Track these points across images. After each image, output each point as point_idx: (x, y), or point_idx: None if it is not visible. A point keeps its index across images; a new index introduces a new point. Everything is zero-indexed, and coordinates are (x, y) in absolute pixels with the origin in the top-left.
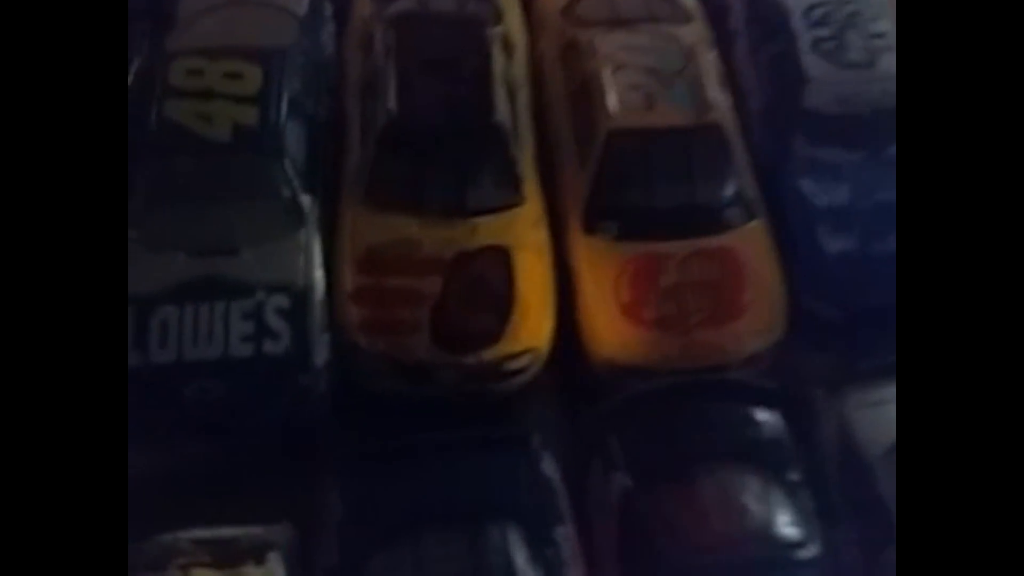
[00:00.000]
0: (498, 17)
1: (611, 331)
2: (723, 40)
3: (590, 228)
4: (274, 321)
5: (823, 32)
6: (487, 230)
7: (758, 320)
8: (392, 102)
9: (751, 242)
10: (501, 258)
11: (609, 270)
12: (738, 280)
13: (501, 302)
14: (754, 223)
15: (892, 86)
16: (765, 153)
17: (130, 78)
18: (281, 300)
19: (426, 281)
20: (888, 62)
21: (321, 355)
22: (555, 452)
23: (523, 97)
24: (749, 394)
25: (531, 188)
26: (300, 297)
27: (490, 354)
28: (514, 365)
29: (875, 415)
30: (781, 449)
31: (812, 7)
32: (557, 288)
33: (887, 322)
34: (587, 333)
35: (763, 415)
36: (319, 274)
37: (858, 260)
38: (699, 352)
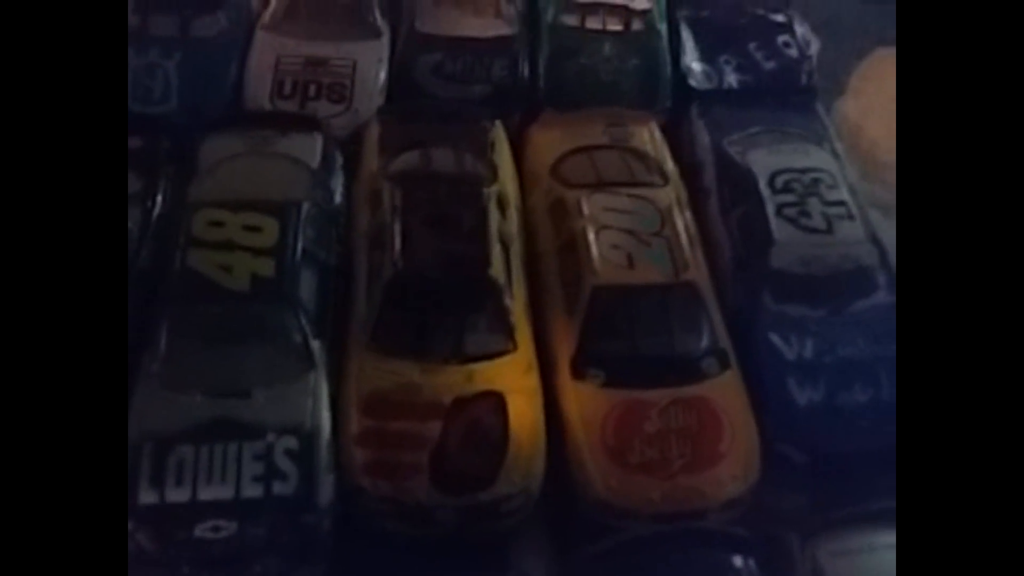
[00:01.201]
0: (493, 175)
1: (599, 474)
2: (697, 197)
3: (578, 375)
4: (283, 462)
5: (787, 198)
6: (483, 376)
7: (735, 466)
8: (397, 256)
9: (726, 391)
10: (496, 403)
11: (596, 415)
12: (716, 428)
13: (496, 445)
14: (728, 373)
15: (850, 251)
16: (737, 308)
17: (154, 223)
18: (290, 442)
19: (426, 425)
20: (844, 229)
21: (326, 496)
22: None
23: (516, 249)
24: (727, 541)
25: (523, 336)
26: (308, 439)
27: (486, 495)
28: (509, 506)
29: (848, 564)
30: None
31: (777, 174)
32: (548, 431)
33: (853, 468)
34: (576, 475)
35: (740, 563)
36: (326, 417)
37: (825, 409)
38: (681, 497)
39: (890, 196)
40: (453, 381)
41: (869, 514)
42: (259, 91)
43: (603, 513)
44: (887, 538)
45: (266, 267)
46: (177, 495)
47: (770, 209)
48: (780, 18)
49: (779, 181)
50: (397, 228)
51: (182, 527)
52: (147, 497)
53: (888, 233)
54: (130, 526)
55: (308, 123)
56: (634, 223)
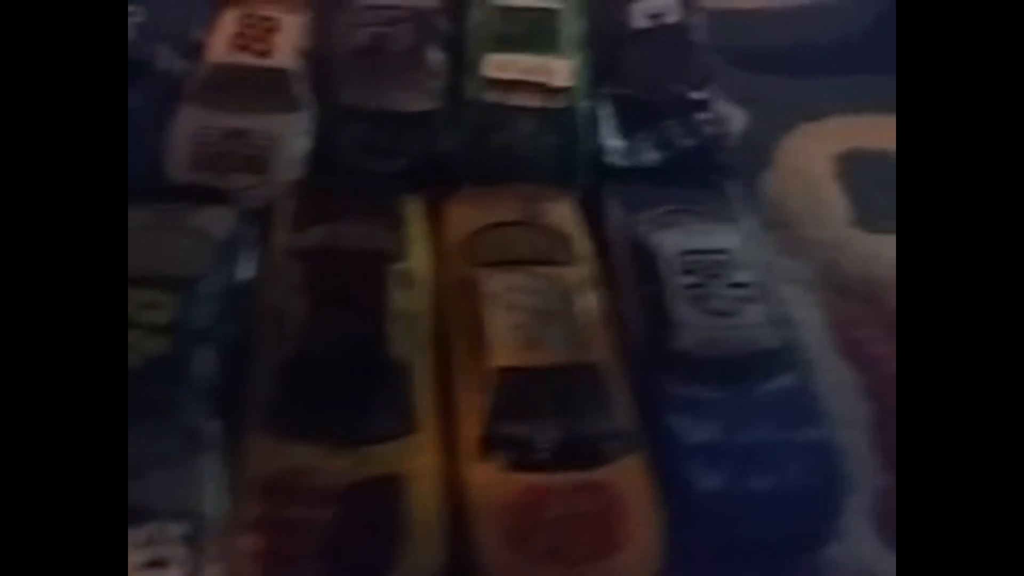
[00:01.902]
0: (402, 252)
1: (500, 563)
2: (610, 276)
3: (482, 457)
4: (170, 549)
5: (691, 280)
6: (380, 459)
7: (637, 553)
8: (294, 335)
9: (629, 476)
10: (394, 487)
11: (499, 499)
12: (618, 513)
13: (392, 532)
14: (631, 457)
15: (754, 333)
16: (641, 390)
17: None
18: (179, 527)
19: (320, 512)
20: (747, 312)
21: None
22: None
23: (423, 328)
24: None
25: (425, 415)
26: (197, 525)
27: None
28: None
29: None
30: None
31: (681, 254)
32: (450, 516)
33: (753, 556)
34: (478, 562)
35: None
36: (217, 501)
37: (727, 497)
38: None
39: (809, 271)
40: (349, 465)
41: None
42: (178, 162)
43: None
44: None
45: (161, 345)
46: None
47: (673, 291)
48: (699, 96)
49: (684, 262)
50: (295, 306)
51: None
52: None
53: (807, 309)
54: None
55: (220, 196)
56: (538, 302)
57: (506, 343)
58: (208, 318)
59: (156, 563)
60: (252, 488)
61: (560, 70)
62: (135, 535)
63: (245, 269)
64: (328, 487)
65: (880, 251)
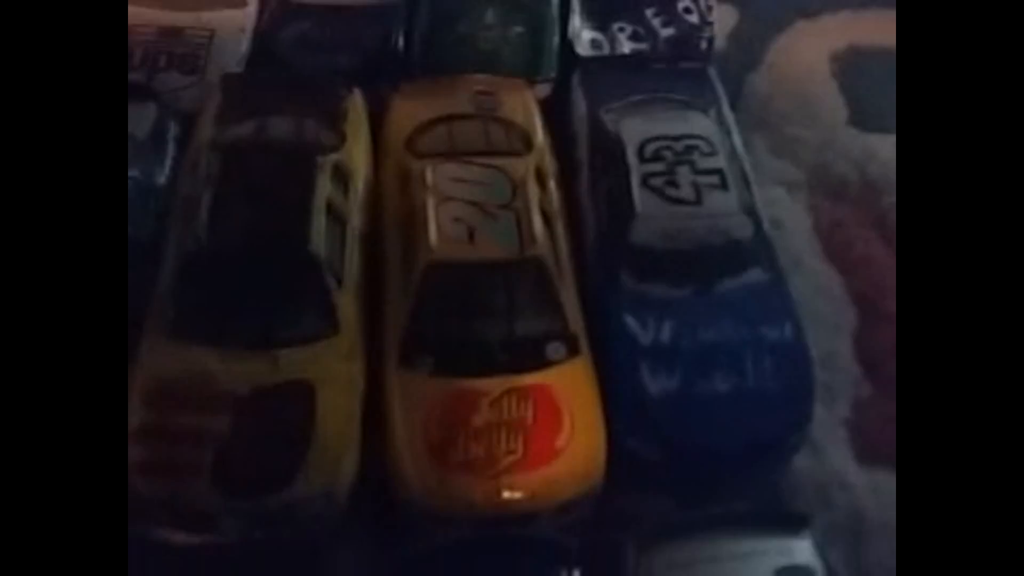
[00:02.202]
0: (336, 145)
1: (417, 474)
2: (572, 170)
3: (405, 362)
4: None
5: (655, 167)
6: (291, 364)
7: (573, 464)
8: (201, 230)
9: (571, 380)
10: (301, 393)
11: (421, 407)
12: (554, 420)
13: (295, 442)
14: (576, 360)
15: (719, 223)
16: (594, 288)
17: None
18: None
19: (215, 419)
20: (715, 200)
21: None
22: None
23: (354, 225)
24: (551, 550)
25: (348, 319)
26: None
27: (279, 498)
28: (307, 511)
29: None
30: None
31: (647, 141)
32: (370, 426)
33: (709, 468)
34: (393, 475)
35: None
36: None
37: (681, 400)
38: (506, 499)
39: (797, 172)
40: (255, 369)
41: (717, 519)
42: None
43: (421, 518)
44: (732, 547)
45: None
46: None
47: (635, 179)
48: None
49: (649, 149)
50: (206, 199)
51: None
52: None
53: (791, 210)
54: None
55: (142, 93)
56: (482, 194)
57: (444, 237)
58: None
59: None
60: (143, 394)
61: None
62: None
63: (162, 169)
64: (227, 393)
65: (877, 150)
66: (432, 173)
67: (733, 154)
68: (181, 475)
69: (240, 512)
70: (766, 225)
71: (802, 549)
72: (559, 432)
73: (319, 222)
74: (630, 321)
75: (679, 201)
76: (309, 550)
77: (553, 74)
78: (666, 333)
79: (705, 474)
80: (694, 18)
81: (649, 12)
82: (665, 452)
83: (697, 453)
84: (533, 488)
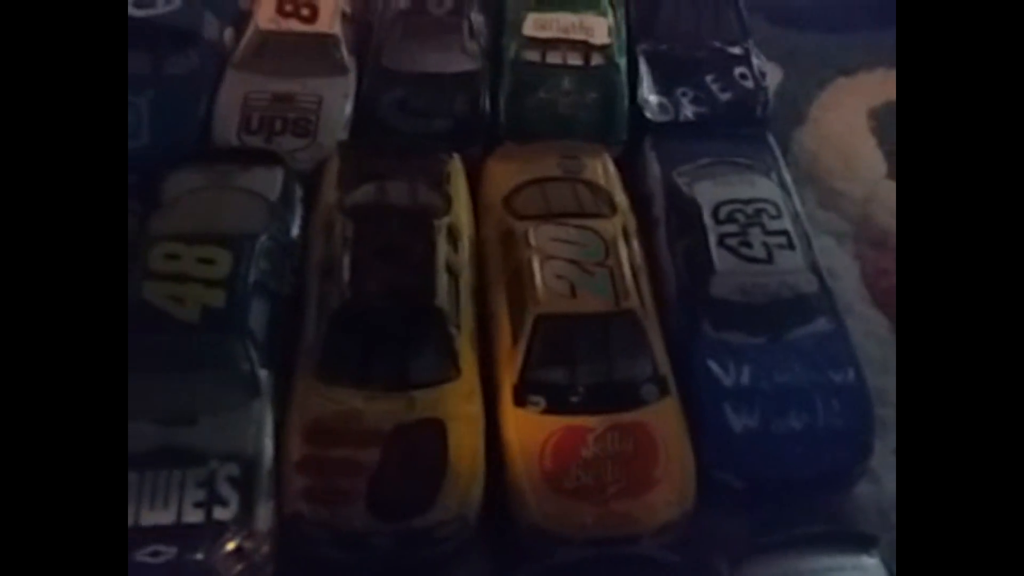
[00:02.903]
0: (446, 208)
1: (535, 500)
2: (648, 228)
3: (519, 402)
4: (224, 489)
5: (730, 228)
6: (424, 403)
7: (669, 491)
8: (345, 286)
9: (664, 417)
10: (435, 430)
11: (535, 441)
12: (651, 453)
13: (433, 472)
14: (666, 400)
15: (788, 279)
16: (678, 336)
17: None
18: (232, 468)
19: (366, 452)
20: (784, 258)
21: (265, 522)
22: None
23: (466, 280)
24: (657, 567)
25: (467, 363)
26: (249, 466)
27: (422, 521)
28: (444, 531)
29: None
30: None
31: (721, 204)
32: (488, 458)
33: (785, 495)
34: (513, 501)
35: None
36: (269, 444)
37: (760, 436)
38: (614, 522)
39: (843, 224)
40: (394, 408)
41: (797, 539)
42: (227, 127)
43: (539, 538)
44: (814, 563)
45: (217, 298)
46: None
47: (712, 239)
48: (737, 51)
49: (723, 212)
50: (347, 259)
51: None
52: None
53: (840, 259)
54: None
55: (269, 157)
56: (579, 253)
57: (548, 291)
58: (261, 273)
59: (212, 502)
60: (301, 431)
61: (599, 27)
62: (193, 475)
63: (294, 227)
64: (373, 429)
65: None
66: (534, 234)
67: (795, 215)
68: (339, 501)
69: (390, 533)
70: (827, 279)
71: (872, 566)
72: (656, 463)
73: (442, 279)
74: (713, 366)
75: (753, 260)
76: (444, 567)
77: (624, 137)
78: (745, 376)
79: (781, 500)
80: (749, 83)
81: (708, 78)
82: (748, 482)
83: (775, 482)
84: (636, 512)
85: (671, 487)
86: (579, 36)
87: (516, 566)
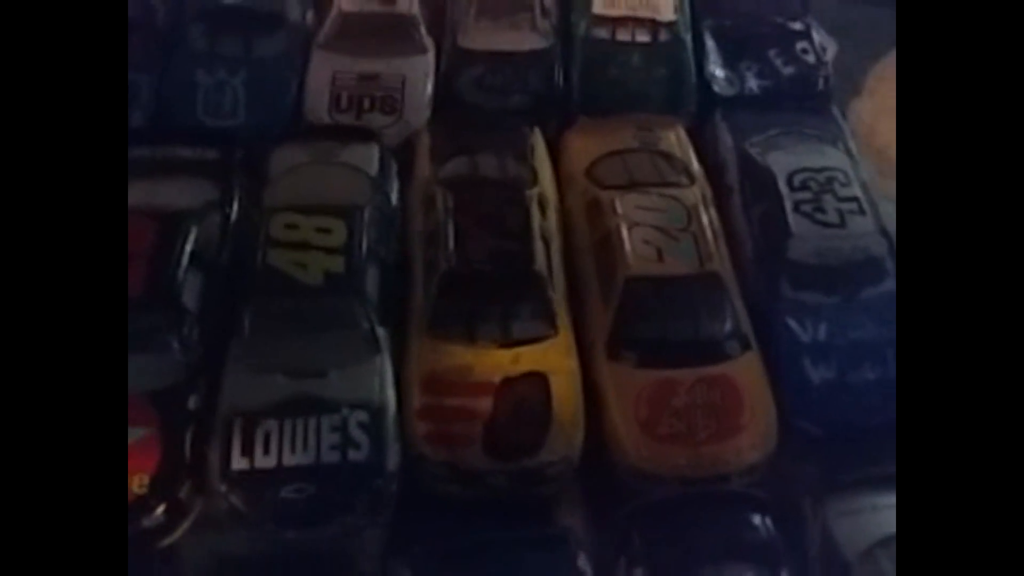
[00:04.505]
0: (534, 179)
1: (632, 444)
2: (720, 195)
3: (613, 356)
4: (356, 433)
5: (804, 195)
6: (528, 358)
7: (754, 436)
8: (451, 253)
9: (746, 370)
10: (540, 382)
11: (630, 392)
12: (737, 403)
13: (541, 418)
14: (748, 354)
15: (860, 242)
16: (757, 296)
17: (232, 226)
18: (361, 416)
19: (479, 401)
20: (856, 223)
21: (393, 462)
22: (587, 550)
23: (556, 246)
24: (748, 502)
25: (563, 322)
26: (377, 413)
27: (532, 462)
28: (552, 471)
29: (852, 522)
30: (774, 551)
31: (794, 173)
32: (586, 407)
33: (861, 439)
34: (611, 445)
35: (758, 521)
36: (391, 394)
37: (837, 387)
38: (705, 463)
39: None
40: (501, 362)
41: (873, 478)
42: (318, 105)
43: (636, 478)
44: (888, 499)
45: (336, 264)
46: (265, 462)
47: (788, 205)
48: (798, 26)
49: (796, 179)
50: (450, 228)
51: (270, 489)
52: (239, 464)
53: None
54: (223, 489)
55: (365, 134)
56: (663, 220)
57: (637, 256)
58: (371, 241)
59: (346, 445)
60: (419, 382)
61: (665, 5)
62: (328, 421)
63: (393, 198)
64: (484, 381)
65: None
66: (620, 202)
67: (863, 183)
68: (458, 444)
69: (504, 472)
70: (894, 244)
71: None
72: (741, 412)
73: (538, 245)
74: (792, 323)
75: (827, 224)
76: (549, 503)
77: (693, 110)
78: (822, 332)
79: (854, 446)
80: (811, 58)
81: (771, 53)
82: (826, 429)
83: (851, 429)
84: (724, 455)
85: (755, 432)
86: (646, 13)
87: (615, 502)
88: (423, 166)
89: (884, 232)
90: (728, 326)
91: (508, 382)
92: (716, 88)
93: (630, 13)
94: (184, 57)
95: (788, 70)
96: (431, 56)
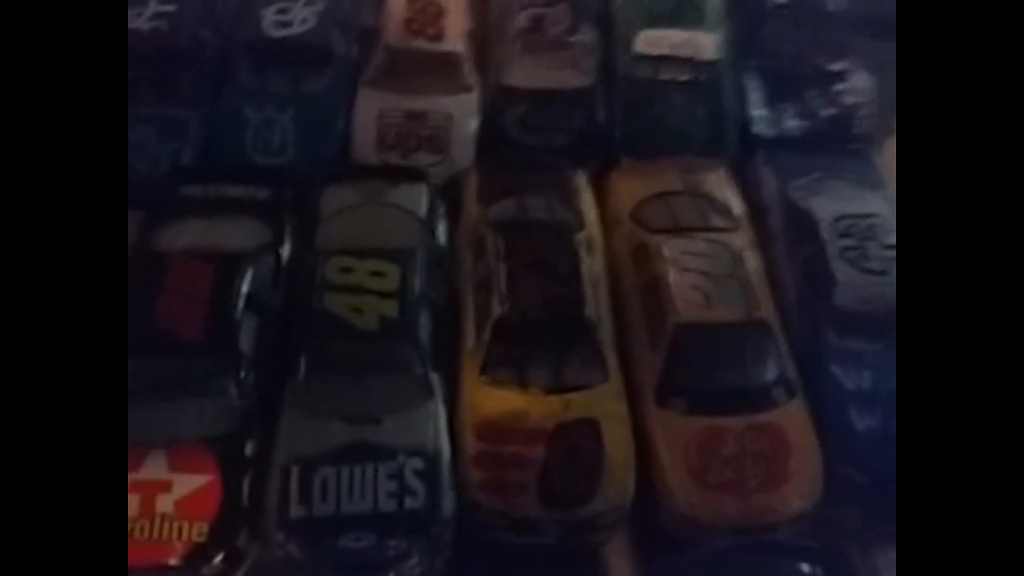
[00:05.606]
0: (582, 223)
1: (683, 493)
2: (764, 240)
3: (662, 403)
4: (412, 480)
5: (848, 242)
6: (579, 404)
7: (801, 485)
8: (503, 298)
9: (793, 418)
10: (592, 429)
11: (679, 440)
12: (785, 451)
13: (594, 467)
14: (795, 401)
15: None
16: (802, 342)
17: (284, 267)
18: (417, 463)
19: (532, 448)
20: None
21: (449, 509)
22: None
23: (603, 289)
24: (797, 551)
25: (613, 368)
26: (432, 460)
27: (585, 511)
28: (604, 520)
29: None
30: None
31: (838, 219)
32: (637, 454)
33: None
34: (662, 494)
35: (808, 570)
36: (445, 440)
37: (882, 434)
38: (754, 513)
39: None
40: (554, 409)
41: None
42: (365, 143)
43: (686, 527)
44: None
45: (391, 308)
46: (323, 510)
47: (833, 252)
48: (838, 67)
49: (841, 226)
50: (502, 272)
51: (328, 537)
52: (297, 511)
53: None
54: (281, 538)
55: (414, 174)
56: (710, 265)
57: (685, 301)
58: (424, 284)
59: (402, 492)
60: (472, 428)
61: (707, 44)
62: (385, 468)
63: (441, 239)
64: (537, 428)
65: None
66: (667, 247)
67: None
68: (513, 492)
69: (558, 521)
70: None
71: None
72: (789, 460)
73: (588, 290)
74: (836, 370)
75: (871, 272)
76: (598, 553)
77: (735, 151)
78: (867, 380)
79: None
80: (850, 100)
81: (811, 94)
82: (871, 476)
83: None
84: (774, 504)
85: (803, 481)
86: (688, 53)
87: (665, 552)
88: (471, 207)
89: None
90: (776, 373)
91: (561, 429)
92: (756, 129)
93: (672, 52)
94: (233, 93)
95: (827, 111)
96: (476, 94)
